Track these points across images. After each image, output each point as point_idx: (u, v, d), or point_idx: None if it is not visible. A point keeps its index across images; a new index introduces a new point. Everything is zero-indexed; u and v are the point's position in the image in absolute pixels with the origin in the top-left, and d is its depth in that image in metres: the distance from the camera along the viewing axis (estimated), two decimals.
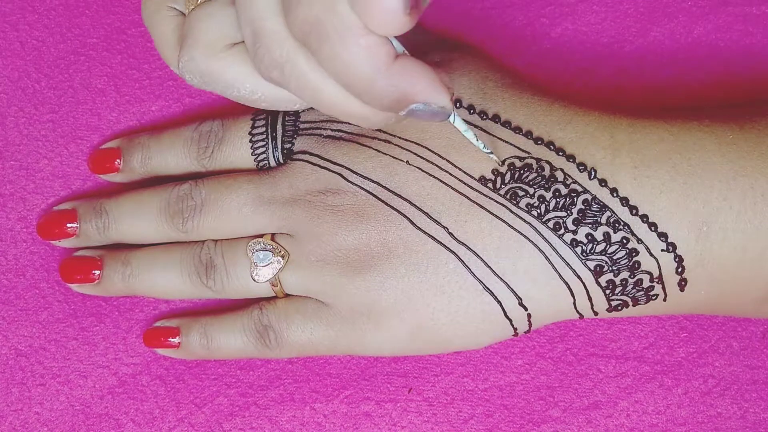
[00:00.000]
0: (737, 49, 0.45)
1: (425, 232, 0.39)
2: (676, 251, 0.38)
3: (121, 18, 0.47)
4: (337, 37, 0.31)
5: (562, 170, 0.39)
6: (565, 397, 0.43)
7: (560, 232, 0.39)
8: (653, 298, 0.39)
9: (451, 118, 0.36)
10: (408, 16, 0.30)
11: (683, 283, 0.39)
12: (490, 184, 0.39)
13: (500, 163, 0.39)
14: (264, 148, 0.42)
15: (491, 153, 0.39)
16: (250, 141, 0.42)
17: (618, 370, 0.43)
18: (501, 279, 0.39)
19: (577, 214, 0.39)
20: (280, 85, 0.34)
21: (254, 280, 0.41)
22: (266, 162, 0.42)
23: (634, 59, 0.45)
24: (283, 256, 0.41)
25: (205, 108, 0.46)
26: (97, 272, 0.43)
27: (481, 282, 0.39)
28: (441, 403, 0.43)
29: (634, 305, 0.40)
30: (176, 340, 0.43)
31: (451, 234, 0.39)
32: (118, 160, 0.44)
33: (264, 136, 0.42)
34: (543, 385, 0.43)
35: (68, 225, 0.44)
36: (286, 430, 0.43)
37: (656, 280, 0.39)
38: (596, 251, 0.38)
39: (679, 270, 0.38)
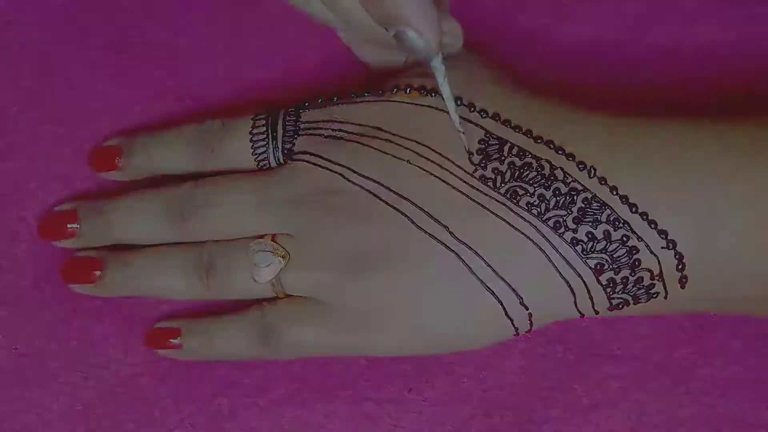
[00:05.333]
0: (737, 49, 0.45)
1: (426, 232, 0.39)
2: (676, 248, 0.38)
3: (121, 18, 0.47)
4: None
5: (561, 169, 0.39)
6: (565, 397, 0.43)
7: (560, 231, 0.39)
8: (654, 296, 0.39)
9: (434, 63, 0.37)
10: None
11: (684, 280, 0.39)
12: (490, 183, 0.39)
13: (469, 151, 0.39)
14: (264, 148, 0.42)
15: (463, 133, 0.39)
16: (251, 141, 0.42)
17: (618, 370, 0.43)
18: (502, 278, 0.39)
19: (577, 212, 0.39)
20: None
21: (255, 280, 0.41)
22: (267, 162, 0.42)
23: (634, 59, 0.45)
24: (283, 257, 0.41)
25: (206, 108, 0.46)
26: (98, 273, 0.43)
27: (481, 281, 0.39)
28: (441, 403, 0.43)
29: (635, 303, 0.39)
30: (177, 341, 0.43)
31: (451, 233, 0.39)
32: (118, 158, 0.44)
33: (264, 136, 0.42)
34: (543, 385, 0.43)
35: (69, 225, 0.44)
36: (286, 431, 0.43)
37: (657, 278, 0.39)
38: (597, 249, 0.38)
39: (680, 267, 0.38)
